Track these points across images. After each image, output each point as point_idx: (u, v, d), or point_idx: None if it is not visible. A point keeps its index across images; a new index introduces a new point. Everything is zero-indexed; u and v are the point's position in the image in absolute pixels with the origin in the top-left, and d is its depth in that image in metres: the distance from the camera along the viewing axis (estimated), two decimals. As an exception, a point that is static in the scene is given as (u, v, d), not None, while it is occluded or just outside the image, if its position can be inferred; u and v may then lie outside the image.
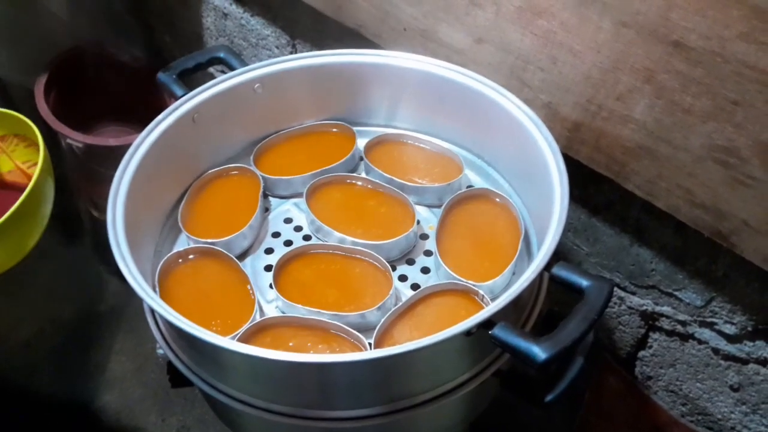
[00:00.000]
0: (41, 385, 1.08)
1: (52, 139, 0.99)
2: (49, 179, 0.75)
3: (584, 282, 0.50)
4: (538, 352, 0.45)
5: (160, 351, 0.71)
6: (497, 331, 0.47)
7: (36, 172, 0.70)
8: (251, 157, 0.70)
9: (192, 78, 0.72)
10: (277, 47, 0.97)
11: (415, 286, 0.61)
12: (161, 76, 0.69)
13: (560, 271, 0.51)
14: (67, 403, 1.07)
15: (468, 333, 0.47)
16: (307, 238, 0.66)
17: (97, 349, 1.14)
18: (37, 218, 0.74)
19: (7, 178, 0.82)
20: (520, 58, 0.64)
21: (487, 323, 0.47)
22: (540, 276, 0.53)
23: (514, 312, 0.55)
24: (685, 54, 0.52)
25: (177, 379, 0.62)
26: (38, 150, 0.74)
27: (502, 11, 0.62)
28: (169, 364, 0.61)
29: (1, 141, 0.82)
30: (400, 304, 0.56)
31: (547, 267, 0.51)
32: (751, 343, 0.64)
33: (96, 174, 1.04)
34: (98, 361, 1.13)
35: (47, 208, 0.76)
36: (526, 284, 0.49)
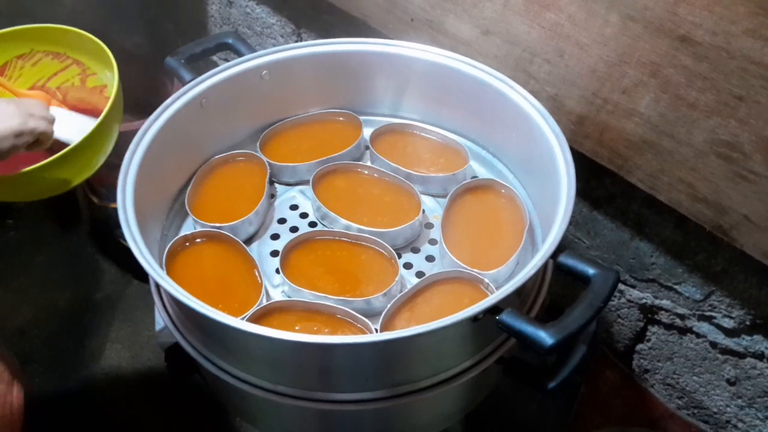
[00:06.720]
0: (36, 373, 1.08)
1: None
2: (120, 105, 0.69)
3: (591, 270, 0.50)
4: (545, 337, 0.45)
5: (159, 340, 0.71)
6: (505, 317, 0.47)
7: (114, 89, 0.65)
8: (258, 144, 0.70)
9: (198, 65, 0.72)
10: (282, 36, 0.97)
11: (420, 274, 0.62)
12: (169, 60, 0.69)
13: (567, 259, 0.52)
14: (61, 390, 1.07)
15: (475, 319, 0.47)
16: (312, 224, 0.66)
17: (92, 337, 1.14)
18: (109, 137, 0.68)
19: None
20: (526, 50, 0.64)
21: (494, 309, 0.48)
22: (545, 265, 0.53)
23: (518, 300, 0.56)
24: (692, 49, 0.52)
25: (174, 368, 0.62)
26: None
27: (510, 3, 0.63)
28: (167, 352, 0.61)
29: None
30: (406, 290, 0.57)
31: (553, 256, 0.52)
32: (749, 338, 0.65)
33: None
34: (94, 349, 1.12)
35: (114, 135, 0.69)
36: (533, 272, 0.49)
